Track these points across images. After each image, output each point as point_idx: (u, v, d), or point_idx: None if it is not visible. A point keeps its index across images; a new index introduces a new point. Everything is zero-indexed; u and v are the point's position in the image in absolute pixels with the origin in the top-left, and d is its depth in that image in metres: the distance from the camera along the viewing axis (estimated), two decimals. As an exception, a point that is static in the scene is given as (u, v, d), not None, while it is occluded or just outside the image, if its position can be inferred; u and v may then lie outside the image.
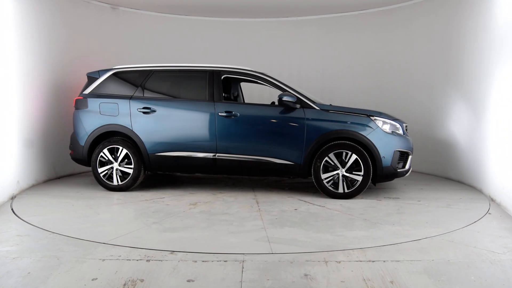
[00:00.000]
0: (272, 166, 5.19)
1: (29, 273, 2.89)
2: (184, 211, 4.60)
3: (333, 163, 5.04)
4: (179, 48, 8.06)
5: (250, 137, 5.23)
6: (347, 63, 7.96)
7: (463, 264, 3.08)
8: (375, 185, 5.62)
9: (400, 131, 5.18)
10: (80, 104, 5.62)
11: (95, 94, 5.61)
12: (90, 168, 6.22)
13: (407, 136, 5.30)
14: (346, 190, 5.06)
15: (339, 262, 3.11)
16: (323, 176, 5.07)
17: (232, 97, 6.10)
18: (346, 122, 5.05)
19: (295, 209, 4.66)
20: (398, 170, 5.12)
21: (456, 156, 6.31)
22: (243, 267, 3.00)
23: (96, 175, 5.51)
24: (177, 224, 4.10)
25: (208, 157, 5.28)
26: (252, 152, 5.21)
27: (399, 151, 5.06)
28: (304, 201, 5.07)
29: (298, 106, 5.11)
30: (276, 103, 5.22)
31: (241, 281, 2.78)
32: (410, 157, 5.24)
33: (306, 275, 2.89)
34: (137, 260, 3.13)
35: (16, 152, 5.29)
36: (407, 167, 5.24)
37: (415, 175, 6.76)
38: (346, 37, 7.97)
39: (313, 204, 4.88)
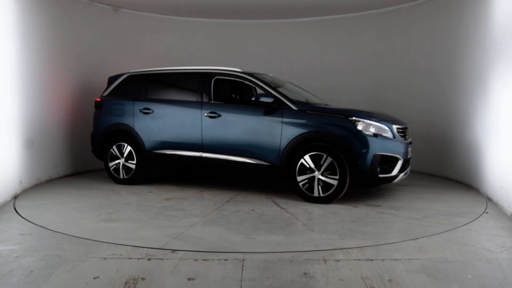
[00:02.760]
0: (251, 166, 5.14)
1: (31, 271, 2.92)
2: (149, 204, 4.89)
3: (308, 166, 4.83)
4: (179, 49, 8.10)
5: (231, 137, 5.25)
6: (346, 64, 7.98)
7: (460, 263, 3.11)
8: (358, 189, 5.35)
9: (388, 134, 4.83)
10: (97, 105, 6.23)
11: (109, 96, 6.19)
12: (90, 167, 6.87)
13: (399, 139, 4.93)
14: (321, 194, 4.82)
15: (338, 260, 3.14)
16: (299, 178, 4.89)
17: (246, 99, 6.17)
18: (321, 123, 4.83)
19: (252, 210, 4.61)
20: (380, 176, 4.74)
21: (454, 156, 6.34)
22: (243, 266, 3.03)
23: (107, 168, 6.07)
24: (124, 216, 4.40)
25: (196, 156, 5.44)
26: (233, 152, 5.23)
27: (380, 155, 4.70)
28: (275, 203, 4.94)
29: (276, 106, 5.02)
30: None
31: (241, 280, 2.81)
32: (399, 162, 4.84)
33: (305, 273, 2.92)
34: (139, 258, 3.16)
35: (18, 152, 5.32)
36: (394, 173, 4.82)
37: (436, 181, 6.32)
38: (346, 39, 8.00)
39: (278, 207, 4.76)
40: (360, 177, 4.71)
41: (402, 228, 4.03)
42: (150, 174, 6.72)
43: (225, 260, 3.14)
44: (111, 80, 6.30)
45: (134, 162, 5.86)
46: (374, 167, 4.68)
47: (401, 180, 5.07)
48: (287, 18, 8.23)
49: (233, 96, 5.80)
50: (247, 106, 5.23)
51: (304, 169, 4.87)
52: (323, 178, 4.79)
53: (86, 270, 2.96)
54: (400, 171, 4.91)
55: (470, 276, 2.89)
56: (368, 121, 4.78)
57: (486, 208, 4.71)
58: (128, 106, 5.92)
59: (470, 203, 4.94)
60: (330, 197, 4.80)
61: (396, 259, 3.17)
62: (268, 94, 5.11)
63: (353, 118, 4.78)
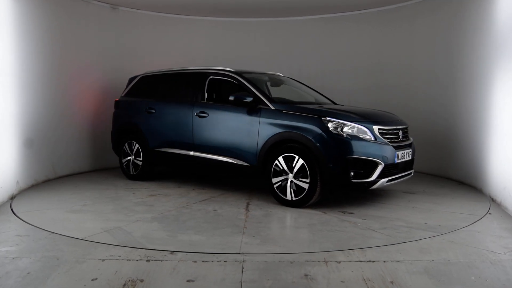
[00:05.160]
0: (233, 166, 5.10)
1: (28, 273, 2.89)
2: (128, 199, 5.11)
3: (281, 168, 4.68)
4: (179, 48, 8.06)
5: (216, 137, 5.26)
6: (348, 62, 7.94)
7: (463, 264, 3.08)
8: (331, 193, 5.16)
9: (366, 136, 4.50)
10: (115, 105, 6.56)
11: (126, 96, 6.51)
12: (89, 167, 7.03)
13: (381, 142, 4.56)
14: (293, 198, 4.63)
15: (339, 262, 3.11)
16: (274, 180, 4.75)
17: None
18: (293, 124, 4.63)
19: (214, 210, 4.60)
20: (353, 181, 4.40)
21: (456, 156, 6.30)
22: (243, 267, 3.00)
23: (121, 165, 6.41)
24: (93, 208, 4.67)
25: (189, 154, 5.53)
26: (218, 152, 5.23)
27: (354, 158, 4.37)
28: (248, 204, 4.87)
29: (254, 105, 4.92)
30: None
31: (241, 281, 2.78)
32: (379, 167, 4.45)
33: (306, 275, 2.89)
34: (137, 260, 3.13)
35: (15, 152, 5.28)
36: (371, 178, 4.43)
37: (453, 189, 5.71)
38: (347, 37, 7.95)
39: (245, 208, 4.67)
40: (331, 181, 4.46)
41: (342, 239, 3.67)
42: (171, 171, 6.97)
43: (225, 261, 3.11)
44: (130, 81, 6.60)
45: (141, 159, 6.11)
46: (346, 171, 4.37)
47: (383, 185, 4.59)
48: (288, 17, 8.19)
49: (224, 95, 5.79)
50: (233, 106, 5.13)
51: (279, 171, 4.71)
52: (295, 181, 4.60)
53: (84, 271, 2.92)
54: (381, 176, 4.49)
55: (473, 277, 2.86)
56: (342, 122, 4.49)
57: (489, 209, 4.67)
58: (137, 106, 6.20)
59: (460, 216, 4.39)
60: (302, 201, 4.58)
61: (398, 261, 3.13)
62: (247, 93, 5.03)
63: (326, 118, 4.53)
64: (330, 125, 4.48)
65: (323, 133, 4.46)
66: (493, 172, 5.09)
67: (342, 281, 2.79)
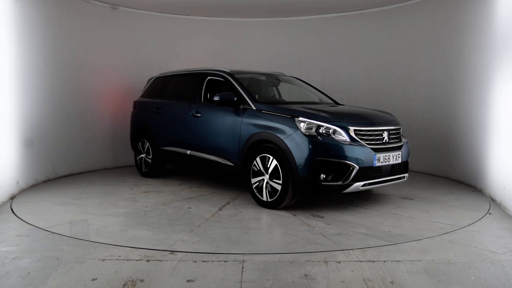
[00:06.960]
0: (220, 166, 5.14)
1: (28, 273, 2.89)
2: (120, 195, 5.31)
3: (258, 168, 4.65)
4: (179, 48, 8.06)
5: (207, 136, 5.34)
6: (347, 63, 7.94)
7: (463, 264, 3.08)
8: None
9: (341, 137, 4.31)
10: (134, 105, 6.86)
11: (142, 97, 6.77)
12: (87, 168, 7.10)
13: (358, 144, 4.32)
14: (268, 199, 4.57)
15: (339, 262, 3.11)
16: (252, 180, 4.72)
17: None
18: (269, 124, 4.59)
19: (188, 208, 4.66)
20: (323, 183, 4.24)
21: (456, 156, 6.30)
22: (243, 267, 3.00)
23: (135, 162, 6.73)
24: (82, 202, 4.90)
25: (186, 153, 5.67)
26: (209, 151, 5.32)
27: (324, 160, 4.22)
28: (227, 204, 4.85)
29: (237, 104, 4.94)
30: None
31: (241, 281, 2.78)
32: (353, 170, 4.23)
33: (306, 275, 2.89)
34: (137, 260, 3.13)
35: (15, 152, 5.28)
36: (345, 181, 4.23)
37: (459, 196, 5.29)
38: (346, 37, 7.95)
39: (219, 208, 4.66)
40: (301, 183, 4.32)
41: (282, 242, 3.64)
42: (182, 169, 7.08)
43: (225, 261, 3.11)
44: (147, 82, 6.88)
45: (150, 157, 6.35)
46: (316, 174, 4.23)
47: (359, 189, 4.35)
48: (288, 17, 8.19)
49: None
50: (222, 106, 5.12)
51: (257, 171, 4.68)
52: (270, 182, 4.54)
53: (84, 271, 2.92)
54: (356, 180, 4.26)
55: (473, 278, 2.86)
56: (315, 122, 4.35)
57: (489, 209, 4.67)
58: (149, 107, 6.43)
59: (436, 225, 4.04)
60: (276, 202, 4.51)
61: (398, 261, 3.13)
62: (233, 93, 5.02)
63: (299, 118, 4.41)
64: (302, 125, 4.37)
65: (294, 134, 4.36)
66: (493, 172, 5.09)
67: (342, 281, 2.79)
